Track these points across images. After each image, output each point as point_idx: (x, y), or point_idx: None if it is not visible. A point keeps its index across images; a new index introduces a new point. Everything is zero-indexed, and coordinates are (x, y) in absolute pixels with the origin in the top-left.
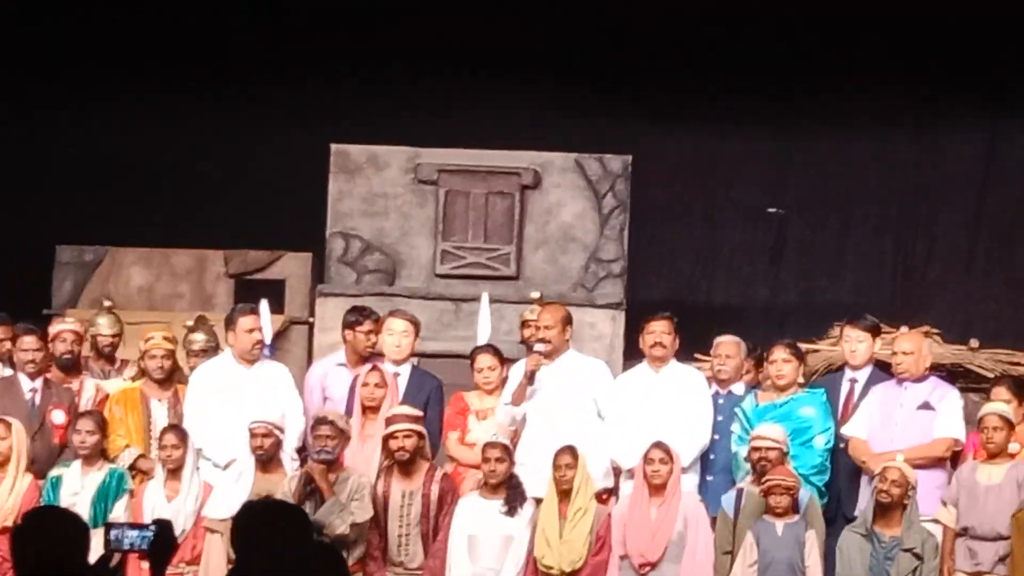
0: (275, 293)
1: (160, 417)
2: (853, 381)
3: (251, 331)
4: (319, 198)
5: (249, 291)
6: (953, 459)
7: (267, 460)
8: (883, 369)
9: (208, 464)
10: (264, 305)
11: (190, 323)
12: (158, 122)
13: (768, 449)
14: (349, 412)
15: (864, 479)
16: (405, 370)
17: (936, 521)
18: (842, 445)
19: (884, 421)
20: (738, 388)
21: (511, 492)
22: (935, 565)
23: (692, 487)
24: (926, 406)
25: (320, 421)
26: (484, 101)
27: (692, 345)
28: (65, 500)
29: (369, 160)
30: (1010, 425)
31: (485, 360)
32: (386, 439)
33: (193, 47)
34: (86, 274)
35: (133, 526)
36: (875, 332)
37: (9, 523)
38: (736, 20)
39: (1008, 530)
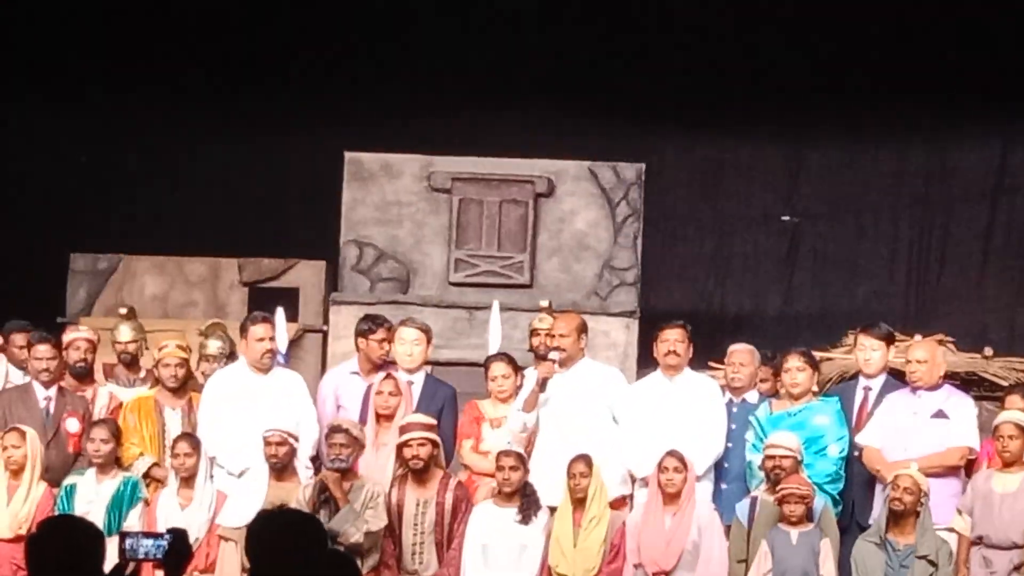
0: (289, 301)
1: (174, 425)
2: (867, 389)
3: (261, 340)
4: (333, 206)
5: (263, 299)
6: (967, 467)
7: (281, 468)
8: (897, 377)
9: (222, 472)
10: (280, 313)
11: (203, 328)
12: (171, 130)
13: (782, 457)
14: (363, 420)
15: (878, 487)
16: (419, 378)
17: (951, 530)
18: (856, 454)
19: (898, 429)
20: (752, 396)
21: (525, 500)
22: (949, 572)
23: (706, 495)
24: (940, 414)
25: (334, 429)
26: (497, 109)
27: (706, 353)
28: (79, 508)
29: (383, 168)
30: None
31: (499, 368)
32: (400, 447)
33: (206, 56)
34: (100, 282)
35: (148, 535)
36: (889, 340)
37: (23, 531)
38: (750, 30)
39: (1023, 539)
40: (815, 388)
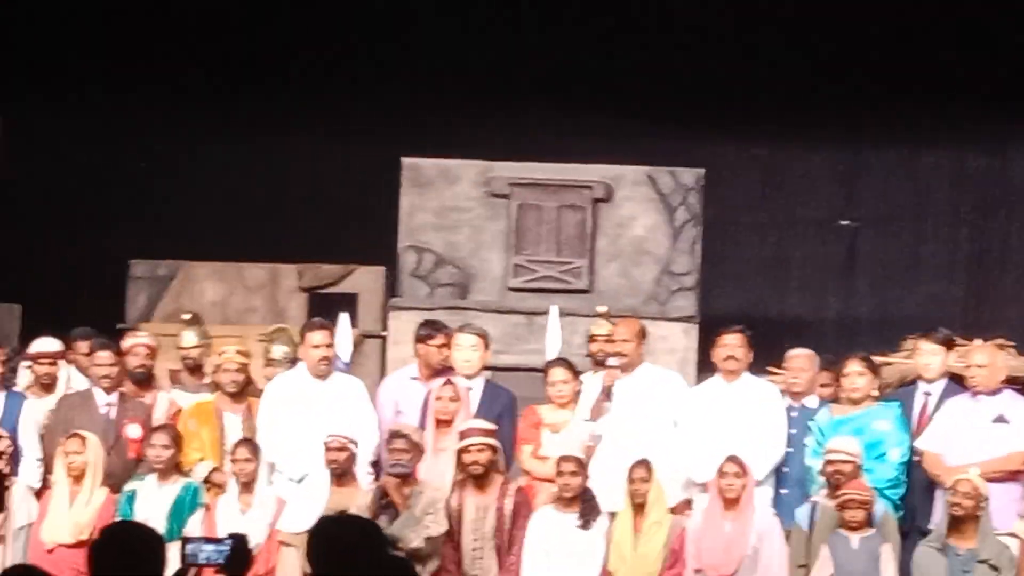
0: (348, 307)
1: (233, 431)
2: (927, 394)
3: (317, 347)
4: (391, 212)
5: (322, 305)
6: None
7: (342, 474)
8: (957, 382)
9: (282, 478)
10: (344, 319)
11: (266, 332)
12: (231, 137)
13: (842, 463)
14: (422, 426)
15: (939, 493)
16: (478, 384)
17: (1013, 535)
18: (917, 459)
19: (958, 434)
20: (811, 401)
21: (585, 505)
22: None
23: (766, 501)
24: (1001, 419)
25: (395, 435)
26: (556, 115)
27: (765, 358)
28: (140, 514)
29: (441, 174)
30: None
31: (558, 373)
32: (460, 453)
33: (265, 64)
34: (160, 289)
35: (209, 540)
36: (948, 345)
37: (85, 537)
38: (808, 35)
39: None
40: (875, 393)
